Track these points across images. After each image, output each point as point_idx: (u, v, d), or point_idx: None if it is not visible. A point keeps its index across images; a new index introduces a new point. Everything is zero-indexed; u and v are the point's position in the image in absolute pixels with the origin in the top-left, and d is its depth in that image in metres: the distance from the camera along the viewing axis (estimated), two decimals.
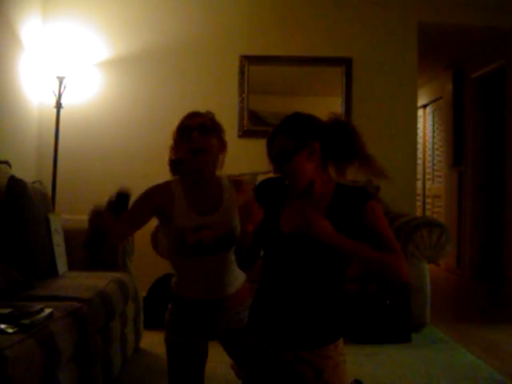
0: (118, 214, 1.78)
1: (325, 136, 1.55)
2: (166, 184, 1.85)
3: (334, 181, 1.58)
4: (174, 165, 1.84)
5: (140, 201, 1.83)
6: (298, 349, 1.50)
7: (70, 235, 2.76)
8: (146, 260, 3.29)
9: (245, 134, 4.08)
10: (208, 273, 1.78)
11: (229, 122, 3.98)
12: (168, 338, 1.85)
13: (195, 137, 1.75)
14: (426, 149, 6.85)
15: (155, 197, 1.83)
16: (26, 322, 1.56)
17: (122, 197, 1.80)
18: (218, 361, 1.92)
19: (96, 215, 1.78)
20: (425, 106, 6.85)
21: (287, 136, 1.54)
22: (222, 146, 1.85)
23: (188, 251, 1.75)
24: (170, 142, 1.86)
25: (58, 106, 3.72)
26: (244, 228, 1.53)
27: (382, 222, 1.52)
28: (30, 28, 3.74)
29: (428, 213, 6.60)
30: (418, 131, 5.93)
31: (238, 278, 1.83)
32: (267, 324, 1.55)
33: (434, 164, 6.58)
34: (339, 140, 1.55)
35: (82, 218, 2.95)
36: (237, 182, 1.89)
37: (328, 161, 1.57)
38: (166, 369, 1.85)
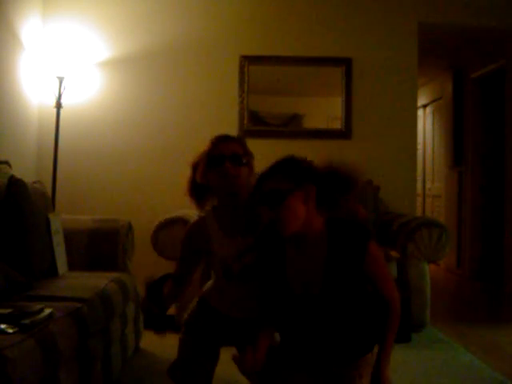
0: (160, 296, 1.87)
1: (319, 183, 1.53)
2: (201, 221, 1.88)
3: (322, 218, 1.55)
4: (201, 189, 1.86)
5: (185, 246, 1.90)
6: (334, 366, 1.53)
7: (69, 235, 2.77)
8: (146, 260, 3.29)
9: (245, 134, 4.07)
10: (243, 295, 1.82)
11: (229, 122, 4.07)
12: (183, 337, 1.87)
13: (228, 166, 1.79)
14: (426, 149, 6.85)
15: (193, 239, 1.88)
16: (26, 321, 1.56)
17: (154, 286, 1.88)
18: (221, 362, 1.92)
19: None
20: (425, 106, 6.85)
21: (283, 175, 1.52)
22: (251, 173, 1.87)
23: (234, 278, 1.80)
24: (192, 158, 1.88)
25: (58, 106, 3.72)
26: None
27: (383, 269, 1.55)
28: (30, 28, 3.74)
29: (428, 213, 6.60)
30: (418, 131, 5.93)
31: None
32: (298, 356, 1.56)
33: (433, 164, 6.58)
34: (332, 190, 1.54)
35: (82, 218, 2.98)
36: None
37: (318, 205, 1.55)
38: (167, 369, 1.85)
